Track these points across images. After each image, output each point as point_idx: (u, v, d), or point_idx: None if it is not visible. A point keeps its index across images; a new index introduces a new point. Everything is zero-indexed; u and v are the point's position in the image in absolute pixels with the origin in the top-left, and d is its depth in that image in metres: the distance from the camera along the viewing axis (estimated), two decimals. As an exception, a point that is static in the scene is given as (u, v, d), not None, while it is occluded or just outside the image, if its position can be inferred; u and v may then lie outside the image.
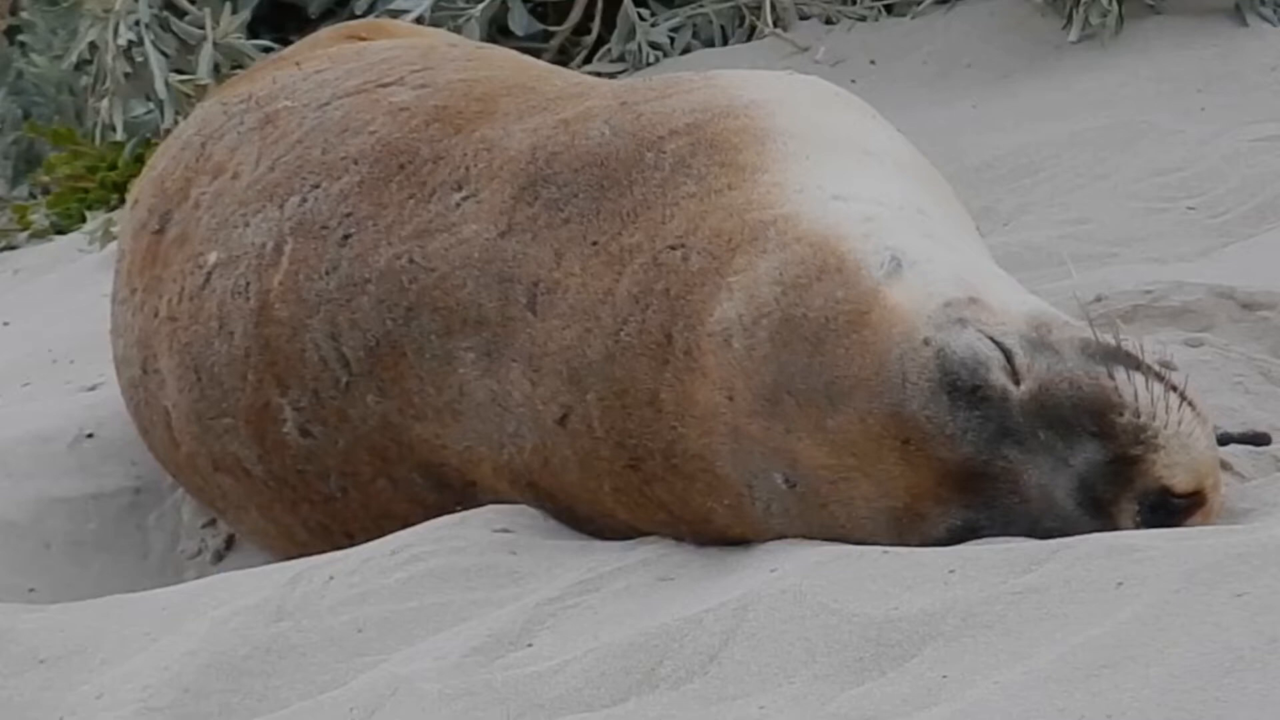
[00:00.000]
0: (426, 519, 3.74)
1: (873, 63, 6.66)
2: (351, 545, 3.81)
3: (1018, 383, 3.13)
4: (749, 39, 6.95)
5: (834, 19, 7.00)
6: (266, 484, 4.03)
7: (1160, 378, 3.13)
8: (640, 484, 3.46)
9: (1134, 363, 3.13)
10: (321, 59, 4.44)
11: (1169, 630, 2.72)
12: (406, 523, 3.76)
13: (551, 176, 3.66)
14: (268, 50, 7.02)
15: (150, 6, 6.60)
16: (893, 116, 3.98)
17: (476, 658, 3.19)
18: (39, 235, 7.76)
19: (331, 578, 3.54)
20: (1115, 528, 3.08)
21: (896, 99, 5.91)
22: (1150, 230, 5.16)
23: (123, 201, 6.98)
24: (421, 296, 3.71)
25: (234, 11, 6.72)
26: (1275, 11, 6.42)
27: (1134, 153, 5.62)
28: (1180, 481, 3.07)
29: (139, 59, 6.56)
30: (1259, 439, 3.56)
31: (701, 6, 7.03)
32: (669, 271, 3.43)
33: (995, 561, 3.01)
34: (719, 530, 3.41)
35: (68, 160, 7.76)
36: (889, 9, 7.03)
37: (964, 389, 3.11)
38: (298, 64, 4.46)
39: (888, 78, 6.20)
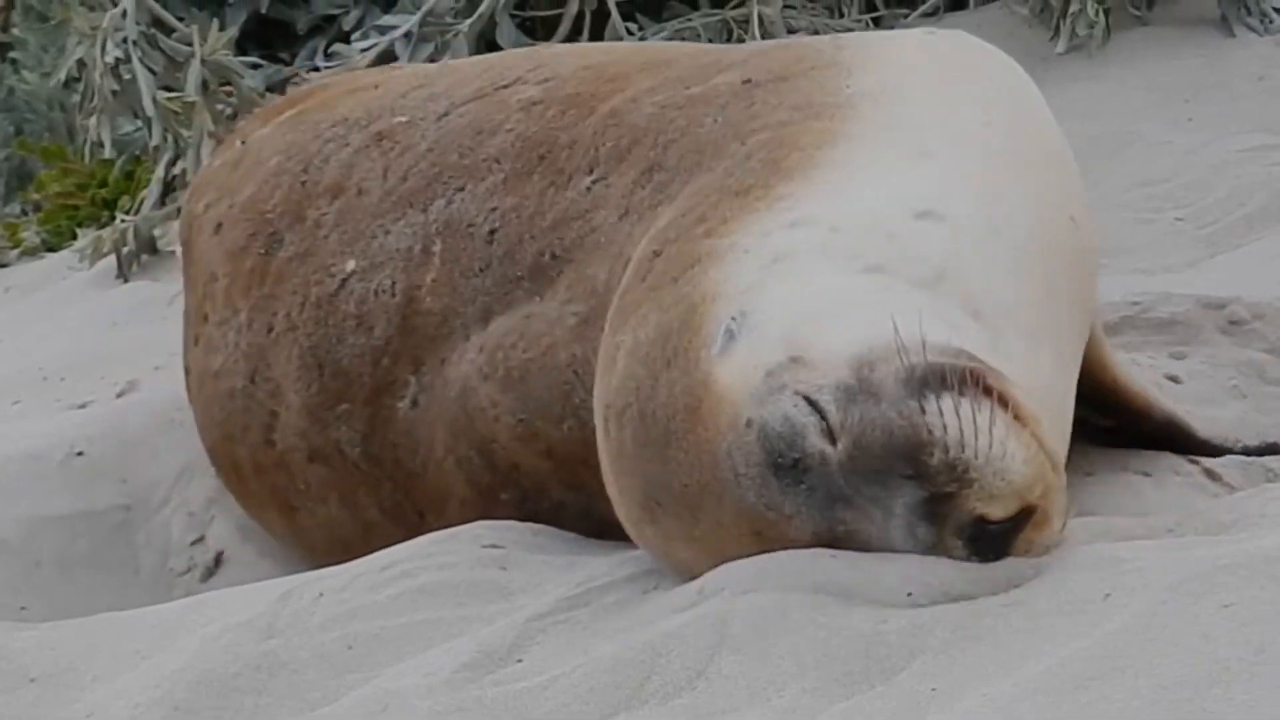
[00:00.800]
0: (479, 503, 3.86)
1: (860, 75, 6.65)
2: (420, 525, 3.97)
3: (835, 442, 3.02)
4: (737, 52, 6.96)
5: (821, 32, 7.01)
6: (358, 465, 4.14)
7: (988, 390, 2.97)
8: None
9: (951, 383, 2.97)
10: (398, 80, 4.54)
11: (1157, 641, 2.73)
12: (463, 504, 3.90)
13: (664, 162, 3.71)
14: (256, 67, 7.03)
15: (138, 24, 6.59)
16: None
17: (466, 674, 3.19)
18: (30, 253, 7.76)
19: (321, 594, 3.54)
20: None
21: (884, 111, 5.90)
22: (1138, 241, 5.18)
23: (113, 218, 6.99)
24: (571, 291, 3.78)
25: (222, 28, 6.70)
26: (1261, 22, 6.44)
27: (1122, 163, 5.64)
28: (996, 510, 2.95)
29: (126, 76, 6.56)
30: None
31: (689, 20, 7.05)
32: (634, 279, 3.44)
33: (982, 574, 3.02)
34: None
35: (58, 177, 7.76)
36: (876, 22, 7.06)
37: (786, 464, 3.02)
38: (376, 86, 4.57)
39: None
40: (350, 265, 4.15)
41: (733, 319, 3.16)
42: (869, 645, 2.93)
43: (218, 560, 4.71)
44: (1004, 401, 2.99)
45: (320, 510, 4.29)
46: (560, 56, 4.29)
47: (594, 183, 3.81)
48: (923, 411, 2.95)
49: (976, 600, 2.97)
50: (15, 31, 8.73)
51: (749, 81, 3.74)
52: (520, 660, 3.22)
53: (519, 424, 3.78)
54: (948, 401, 2.95)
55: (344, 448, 4.15)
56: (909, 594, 3.00)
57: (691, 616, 3.08)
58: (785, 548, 3.06)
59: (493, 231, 3.92)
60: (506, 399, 3.79)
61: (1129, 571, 2.92)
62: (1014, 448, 2.96)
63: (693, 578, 3.19)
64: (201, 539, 4.72)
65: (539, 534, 3.76)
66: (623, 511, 3.31)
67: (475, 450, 3.88)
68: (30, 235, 7.82)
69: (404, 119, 4.28)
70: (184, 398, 4.74)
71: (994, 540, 2.99)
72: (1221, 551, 2.90)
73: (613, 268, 3.66)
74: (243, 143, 4.73)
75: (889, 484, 2.97)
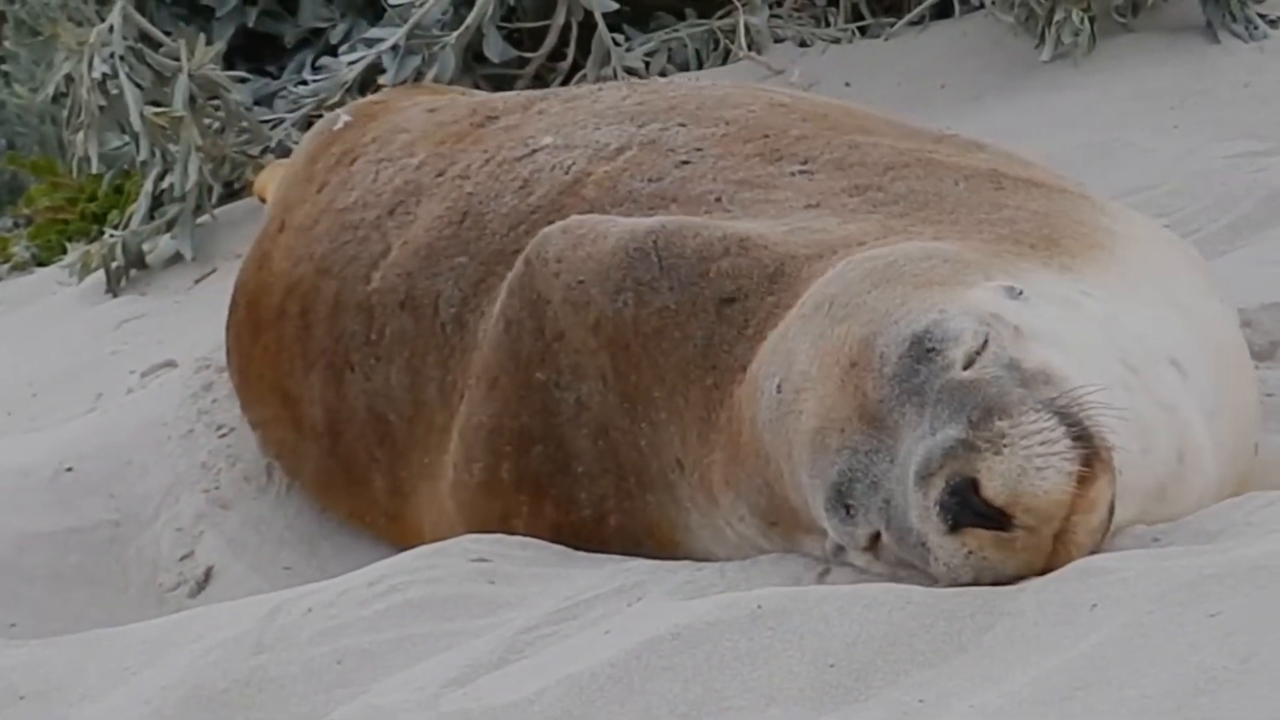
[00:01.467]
0: (513, 386, 3.94)
1: (847, 84, 6.67)
2: (456, 408, 4.09)
3: (965, 369, 3.20)
4: (724, 62, 6.96)
5: (808, 41, 7.02)
6: (444, 327, 4.25)
7: (1088, 459, 3.09)
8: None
9: (1073, 425, 3.11)
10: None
11: (1143, 651, 2.73)
12: (493, 386, 4.01)
13: (885, 186, 3.88)
14: (243, 81, 7.03)
15: (125, 38, 6.59)
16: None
17: (454, 688, 3.19)
18: (20, 267, 7.75)
19: (310, 610, 3.54)
20: (924, 501, 3.08)
21: (871, 120, 5.90)
22: (1125, 248, 5.16)
23: (102, 233, 6.98)
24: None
25: (209, 42, 6.70)
26: (1247, 28, 6.44)
27: (1107, 170, 5.64)
28: (991, 486, 3.05)
29: (114, 91, 6.55)
30: None
31: (676, 30, 7.04)
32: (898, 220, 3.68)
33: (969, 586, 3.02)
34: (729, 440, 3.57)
35: (48, 192, 7.75)
36: (863, 30, 7.05)
37: (924, 346, 3.22)
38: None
39: (862, 99, 6.20)
40: (547, 140, 4.37)
41: (1021, 288, 3.40)
42: (856, 656, 2.94)
43: (207, 575, 4.71)
44: (1090, 471, 3.09)
45: (379, 373, 4.37)
46: (817, 99, 4.54)
47: (799, 172, 3.99)
48: (1034, 410, 3.10)
49: (963, 611, 2.98)
50: (7, 45, 8.72)
51: (996, 171, 3.95)
52: (508, 674, 3.22)
53: (577, 286, 3.85)
54: (1052, 422, 3.09)
55: (440, 304, 4.26)
56: (897, 602, 3.02)
57: (680, 629, 3.09)
58: (855, 390, 3.24)
59: (685, 162, 4.10)
60: (572, 256, 3.87)
61: (1115, 581, 2.92)
62: (1053, 477, 3.07)
63: (786, 372, 3.37)
64: (191, 554, 4.73)
65: (527, 548, 3.76)
66: (791, 319, 3.48)
67: (527, 312, 3.94)
68: (20, 250, 7.80)
69: (666, 80, 4.67)
70: (171, 414, 4.75)
71: (962, 506, 3.05)
72: (1207, 560, 2.91)
73: (770, 230, 3.76)
74: (464, 93, 5.15)
75: (955, 418, 3.11)
